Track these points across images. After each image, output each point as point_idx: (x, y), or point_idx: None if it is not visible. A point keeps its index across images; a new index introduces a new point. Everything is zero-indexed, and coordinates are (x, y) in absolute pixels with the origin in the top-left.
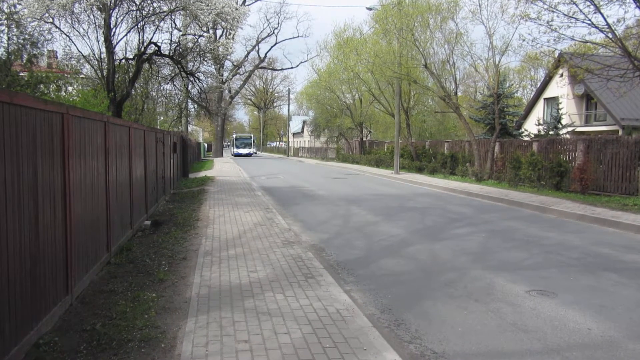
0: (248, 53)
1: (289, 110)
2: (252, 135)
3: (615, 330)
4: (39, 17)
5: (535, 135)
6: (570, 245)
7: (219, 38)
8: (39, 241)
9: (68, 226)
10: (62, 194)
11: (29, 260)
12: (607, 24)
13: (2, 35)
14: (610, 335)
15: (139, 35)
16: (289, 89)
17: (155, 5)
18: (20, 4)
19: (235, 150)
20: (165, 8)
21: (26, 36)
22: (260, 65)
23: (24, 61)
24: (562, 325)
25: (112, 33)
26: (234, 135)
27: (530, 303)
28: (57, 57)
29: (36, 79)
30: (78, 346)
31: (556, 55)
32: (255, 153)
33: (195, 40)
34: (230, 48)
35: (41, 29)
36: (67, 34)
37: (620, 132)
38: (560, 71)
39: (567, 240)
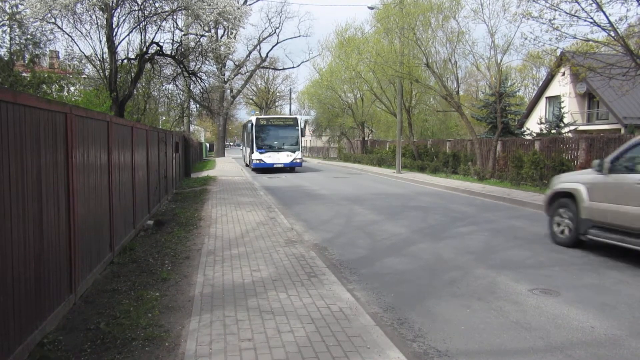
0: (250, 53)
1: (290, 109)
2: (297, 118)
3: (619, 328)
4: (41, 18)
5: (538, 134)
6: None
7: (221, 37)
8: (43, 240)
9: (72, 225)
10: (66, 193)
11: (33, 259)
12: (609, 22)
13: (4, 35)
14: (614, 333)
15: (141, 35)
16: (290, 88)
17: (157, 5)
18: (22, 4)
19: (257, 157)
20: (167, 8)
21: (28, 36)
22: (261, 65)
23: (26, 61)
24: (565, 324)
25: (114, 33)
26: (253, 120)
27: (533, 301)
28: (59, 58)
29: (38, 79)
30: (82, 345)
31: (558, 54)
32: (300, 160)
33: (197, 39)
34: (232, 47)
35: (43, 29)
36: (70, 34)
37: (623, 131)
38: (562, 70)
39: None
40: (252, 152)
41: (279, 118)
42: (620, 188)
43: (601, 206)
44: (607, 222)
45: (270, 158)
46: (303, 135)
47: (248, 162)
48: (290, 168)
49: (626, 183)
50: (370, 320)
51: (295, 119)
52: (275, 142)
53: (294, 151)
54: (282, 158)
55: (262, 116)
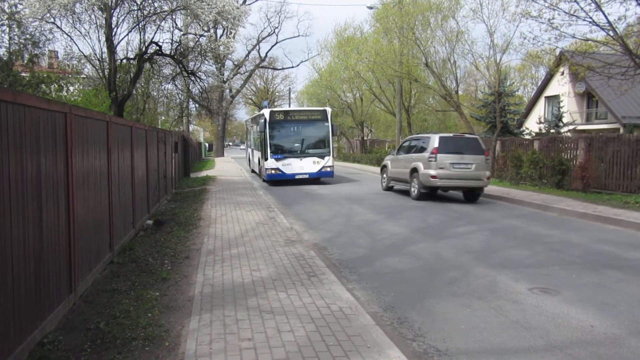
0: (249, 52)
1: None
2: (326, 110)
3: (618, 327)
4: (40, 17)
5: (537, 134)
6: (572, 243)
7: (220, 37)
8: (42, 240)
9: (71, 225)
10: (66, 193)
11: (33, 259)
12: (608, 21)
13: (3, 35)
14: (614, 332)
15: (140, 35)
16: (289, 88)
17: (156, 4)
18: (21, 4)
19: (272, 165)
20: (166, 7)
21: (27, 36)
22: (261, 65)
23: (25, 61)
24: (565, 323)
25: (114, 33)
26: (266, 114)
27: (533, 300)
28: (58, 57)
29: (37, 79)
30: (82, 345)
31: (557, 54)
32: (331, 169)
33: (196, 39)
34: (231, 47)
35: (42, 28)
36: (69, 33)
37: (622, 130)
38: (562, 69)
39: (569, 238)
40: (264, 157)
41: (301, 111)
42: (398, 160)
43: (394, 170)
44: (396, 177)
45: (290, 167)
46: (334, 133)
47: (258, 171)
48: (316, 179)
49: (399, 157)
50: (370, 319)
51: (324, 111)
52: (297, 145)
53: (322, 156)
54: (306, 166)
55: (279, 108)
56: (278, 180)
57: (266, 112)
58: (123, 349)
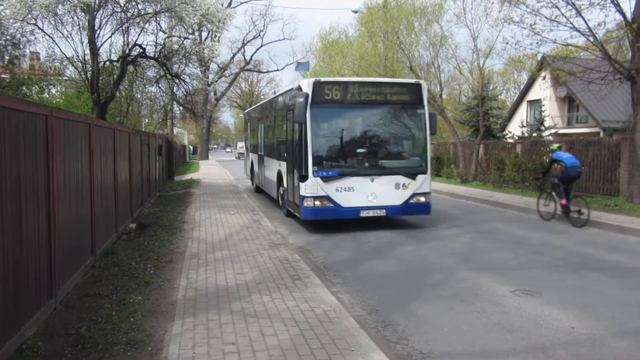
0: (234, 55)
1: None
2: (421, 83)
3: (599, 328)
4: (21, 18)
5: (519, 137)
6: (554, 245)
7: (205, 40)
8: (22, 244)
9: (52, 229)
10: (46, 196)
11: (12, 263)
12: (588, 27)
13: None
14: (594, 333)
15: (124, 37)
16: (274, 91)
17: (140, 6)
18: (2, 5)
19: (316, 188)
20: (150, 10)
21: (8, 37)
22: (246, 68)
23: (5, 62)
24: (546, 324)
25: (97, 35)
26: (306, 87)
27: (515, 303)
28: (39, 59)
29: (18, 81)
30: (63, 350)
31: (539, 58)
32: (426, 200)
33: (181, 42)
34: (216, 50)
35: (23, 30)
36: (50, 35)
37: (602, 134)
38: (543, 74)
39: (551, 241)
40: (300, 173)
41: (374, 84)
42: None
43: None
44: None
45: (350, 194)
46: (433, 131)
47: (277, 196)
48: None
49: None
50: (354, 322)
51: (418, 87)
52: (364, 150)
53: (412, 173)
54: (382, 192)
55: (332, 78)
56: (327, 219)
57: (306, 83)
58: (105, 354)
